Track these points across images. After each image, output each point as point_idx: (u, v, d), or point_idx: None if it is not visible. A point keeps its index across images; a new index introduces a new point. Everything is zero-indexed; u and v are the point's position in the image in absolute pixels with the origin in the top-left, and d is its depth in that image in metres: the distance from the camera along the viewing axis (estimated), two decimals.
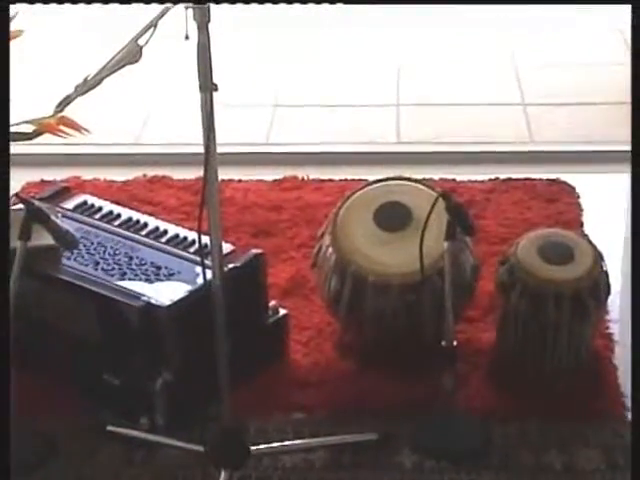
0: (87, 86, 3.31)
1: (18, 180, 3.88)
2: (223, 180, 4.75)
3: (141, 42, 3.21)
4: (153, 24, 3.13)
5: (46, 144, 4.45)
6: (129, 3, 5.76)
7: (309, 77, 6.18)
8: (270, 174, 4.96)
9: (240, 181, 4.91)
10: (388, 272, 3.60)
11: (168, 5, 3.08)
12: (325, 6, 3.04)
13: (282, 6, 2.99)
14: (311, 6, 3.06)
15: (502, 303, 3.70)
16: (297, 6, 2.99)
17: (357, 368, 3.76)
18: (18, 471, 3.23)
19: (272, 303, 3.79)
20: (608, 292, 3.67)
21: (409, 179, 3.77)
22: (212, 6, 2.96)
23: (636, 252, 3.00)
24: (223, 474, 3.20)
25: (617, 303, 4.04)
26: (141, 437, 3.44)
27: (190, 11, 2.94)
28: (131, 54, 3.18)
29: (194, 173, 4.42)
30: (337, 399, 3.61)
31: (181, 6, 2.96)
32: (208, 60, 3.02)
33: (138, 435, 3.44)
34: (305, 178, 4.85)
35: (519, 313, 3.60)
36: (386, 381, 3.63)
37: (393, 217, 3.69)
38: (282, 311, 3.81)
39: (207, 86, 3.03)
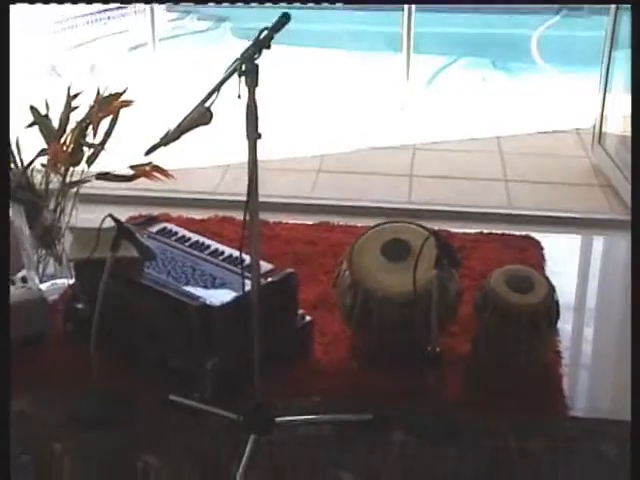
0: (167, 139, 3.09)
1: (122, 215, 3.74)
2: (275, 222, 4.75)
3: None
4: (217, 89, 2.93)
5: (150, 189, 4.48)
6: (129, 3, 5.52)
7: (347, 149, 6.05)
8: (310, 220, 4.90)
9: (287, 223, 4.83)
10: (390, 291, 3.50)
11: (230, 71, 2.89)
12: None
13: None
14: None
15: (477, 321, 3.62)
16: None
17: (363, 365, 3.65)
18: (101, 425, 3.28)
19: (301, 311, 3.69)
20: (558, 317, 3.60)
21: (410, 222, 3.65)
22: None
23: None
24: (252, 437, 3.12)
25: (567, 328, 3.96)
26: (193, 405, 3.33)
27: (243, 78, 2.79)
28: (202, 116, 2.98)
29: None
30: (345, 388, 3.51)
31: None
32: (254, 114, 2.88)
33: (190, 404, 3.33)
34: (335, 224, 4.80)
35: (489, 328, 3.55)
36: (385, 376, 3.51)
37: (396, 250, 3.60)
38: (308, 318, 3.70)
39: (252, 135, 2.89)
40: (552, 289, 3.55)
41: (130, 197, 5.01)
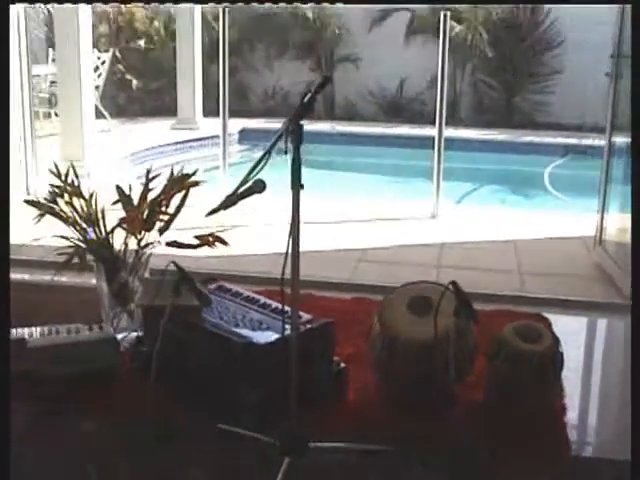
0: (226, 204, 3.07)
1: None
2: (319, 295, 4.62)
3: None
4: (268, 151, 2.91)
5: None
6: (129, 3, 5.46)
7: (385, 244, 6.03)
8: (349, 295, 4.87)
9: (331, 298, 4.80)
10: (412, 336, 3.42)
11: (280, 133, 2.87)
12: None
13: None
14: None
15: (489, 367, 3.49)
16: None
17: (389, 405, 3.54)
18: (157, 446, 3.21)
19: (336, 359, 3.56)
20: (562, 366, 3.48)
21: (433, 282, 3.52)
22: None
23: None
24: (286, 460, 2.99)
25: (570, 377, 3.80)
26: (237, 431, 3.21)
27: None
28: (256, 186, 2.95)
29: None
30: (371, 423, 3.38)
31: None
32: (298, 168, 2.85)
33: (235, 430, 3.22)
34: (371, 299, 4.63)
35: (500, 374, 3.43)
36: (407, 413, 3.41)
37: (420, 306, 3.50)
38: (342, 365, 3.61)
39: (296, 186, 2.85)
40: (557, 340, 3.45)
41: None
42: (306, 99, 2.79)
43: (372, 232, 6.39)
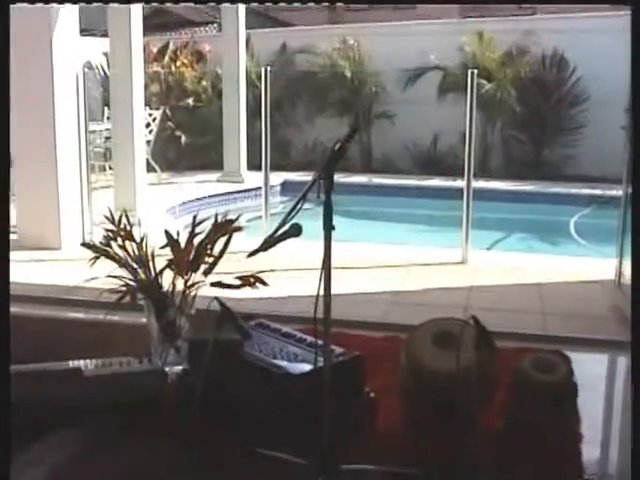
0: (265, 246, 3.22)
1: None
2: (354, 334, 4.75)
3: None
4: (303, 196, 3.06)
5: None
6: (129, 3, 5.49)
7: (418, 288, 6.16)
8: (381, 334, 4.99)
9: (363, 336, 4.89)
10: (438, 368, 3.53)
11: (313, 180, 3.03)
12: None
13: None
14: None
15: (510, 397, 3.54)
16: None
17: (415, 431, 3.65)
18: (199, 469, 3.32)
19: (367, 389, 3.66)
20: (576, 393, 3.58)
21: (456, 319, 3.62)
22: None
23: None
24: None
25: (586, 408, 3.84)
26: (274, 455, 3.32)
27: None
28: (294, 230, 3.10)
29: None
30: (399, 447, 3.50)
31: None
32: (330, 211, 2.99)
33: (273, 454, 3.33)
34: (400, 337, 4.62)
35: (517, 401, 3.56)
36: (432, 439, 3.52)
37: (443, 340, 3.62)
38: (372, 395, 3.71)
39: (328, 227, 3.00)
40: (571, 372, 3.54)
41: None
42: (336, 148, 2.95)
43: (404, 276, 6.51)
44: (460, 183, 7.20)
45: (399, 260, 7.04)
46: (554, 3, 12.38)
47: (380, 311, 5.53)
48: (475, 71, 6.95)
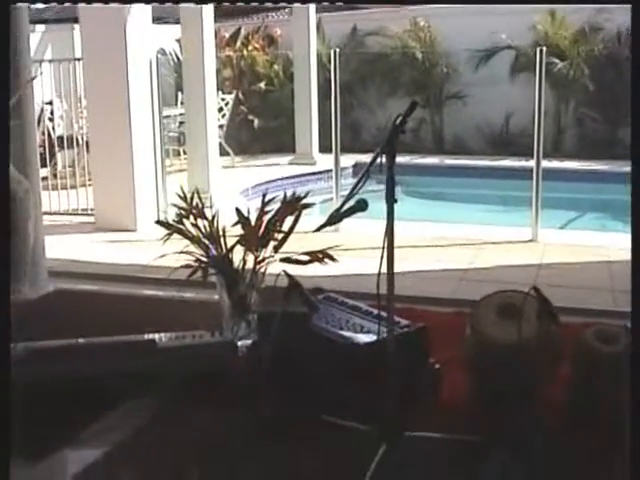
0: (332, 221, 3.32)
1: None
2: (422, 309, 4.83)
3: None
4: (367, 170, 3.14)
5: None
6: (129, 3, 5.55)
7: (487, 265, 6.23)
8: (449, 310, 5.04)
9: (431, 311, 4.95)
10: (501, 339, 3.58)
11: (375, 155, 3.11)
12: None
13: None
14: None
15: (573, 368, 3.60)
16: None
17: (478, 401, 3.73)
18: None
19: (432, 360, 3.75)
20: None
21: (519, 291, 3.67)
22: None
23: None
24: (383, 446, 3.20)
25: None
26: (339, 422, 3.45)
27: None
28: (360, 205, 3.20)
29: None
30: (461, 417, 3.61)
31: None
32: (392, 184, 3.07)
33: (337, 421, 3.46)
34: (468, 312, 4.69)
35: (579, 373, 3.60)
36: (494, 409, 3.59)
37: (507, 311, 3.66)
38: (437, 366, 3.82)
39: (391, 200, 3.09)
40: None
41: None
42: (397, 122, 3.04)
43: (474, 254, 6.57)
44: (532, 163, 7.21)
45: (469, 239, 7.09)
46: (556, 3, 12.25)
47: (449, 288, 5.60)
48: (544, 48, 6.94)
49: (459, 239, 7.09)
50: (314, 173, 11.20)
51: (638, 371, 2.66)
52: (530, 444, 3.33)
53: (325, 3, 12.46)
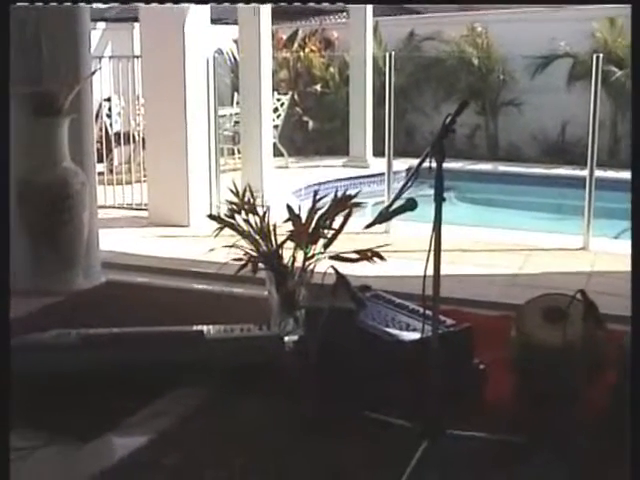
0: (381, 220, 3.37)
1: None
2: (469, 312, 4.83)
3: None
4: (416, 170, 3.18)
5: None
6: (129, 3, 5.54)
7: (537, 271, 6.16)
8: (496, 312, 5.03)
9: (478, 314, 4.95)
10: (546, 341, 3.60)
11: (426, 153, 3.14)
12: None
13: None
14: None
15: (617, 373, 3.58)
16: None
17: (522, 402, 3.73)
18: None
19: (476, 361, 3.78)
20: None
21: (565, 294, 3.67)
22: None
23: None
24: (424, 443, 3.23)
25: None
26: (381, 418, 3.50)
27: None
28: (409, 204, 3.23)
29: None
30: (504, 417, 3.64)
31: None
32: (441, 183, 3.10)
33: (381, 417, 3.51)
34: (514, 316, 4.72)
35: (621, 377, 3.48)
36: (538, 410, 3.61)
37: (552, 314, 3.68)
38: (481, 366, 3.85)
39: (439, 199, 3.12)
40: None
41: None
42: (447, 122, 3.08)
43: (524, 260, 6.56)
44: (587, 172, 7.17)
45: (520, 245, 7.08)
46: (557, 3, 12.13)
47: (497, 292, 5.61)
48: (601, 55, 6.90)
49: (510, 245, 7.08)
50: (367, 176, 11.25)
51: (638, 371, 2.68)
52: (572, 446, 3.35)
53: (379, 4, 12.49)
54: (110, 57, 9.68)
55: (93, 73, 6.03)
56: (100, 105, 9.76)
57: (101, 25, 11.46)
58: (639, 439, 2.55)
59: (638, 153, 2.87)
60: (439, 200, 3.16)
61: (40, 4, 5.28)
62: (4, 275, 2.72)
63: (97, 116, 9.13)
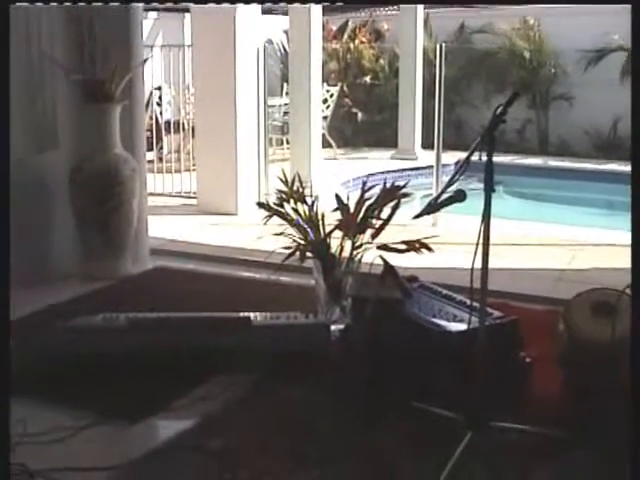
0: (430, 210, 3.36)
1: None
2: (516, 306, 4.78)
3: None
4: (465, 161, 3.17)
5: None
6: (129, 3, 5.57)
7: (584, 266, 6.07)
8: (543, 307, 4.99)
9: (525, 308, 4.86)
10: (595, 335, 3.58)
11: (476, 144, 3.13)
12: None
13: None
14: None
15: None
16: None
17: (568, 397, 3.71)
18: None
19: (523, 354, 3.76)
20: None
21: (614, 289, 3.64)
22: None
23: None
24: (469, 434, 3.21)
25: None
26: (426, 408, 3.48)
27: None
28: (458, 195, 3.23)
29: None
30: (550, 411, 3.59)
31: None
32: (491, 173, 3.09)
33: (425, 407, 3.49)
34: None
35: None
36: (584, 405, 3.57)
37: (601, 309, 3.66)
38: (528, 360, 3.80)
39: (489, 190, 3.11)
40: None
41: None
42: (498, 112, 3.07)
43: (573, 255, 6.50)
44: None
45: (569, 240, 7.02)
46: (556, 3, 11.93)
47: (545, 286, 5.57)
48: None
49: (558, 240, 7.02)
50: (415, 168, 11.21)
51: (638, 368, 2.66)
52: (617, 442, 3.31)
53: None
54: (161, 46, 9.76)
55: (144, 62, 6.09)
56: (151, 94, 9.86)
57: (152, 15, 11.55)
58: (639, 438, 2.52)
59: (638, 154, 2.85)
60: (489, 191, 3.15)
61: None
62: (4, 275, 2.69)
63: (148, 104, 9.21)
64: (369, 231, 4.43)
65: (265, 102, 8.25)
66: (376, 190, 4.57)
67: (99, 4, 5.47)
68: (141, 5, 5.99)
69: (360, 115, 13.22)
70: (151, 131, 9.30)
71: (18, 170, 5.28)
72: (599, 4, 11.42)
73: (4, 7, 2.93)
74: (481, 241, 3.18)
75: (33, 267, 5.23)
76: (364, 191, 4.52)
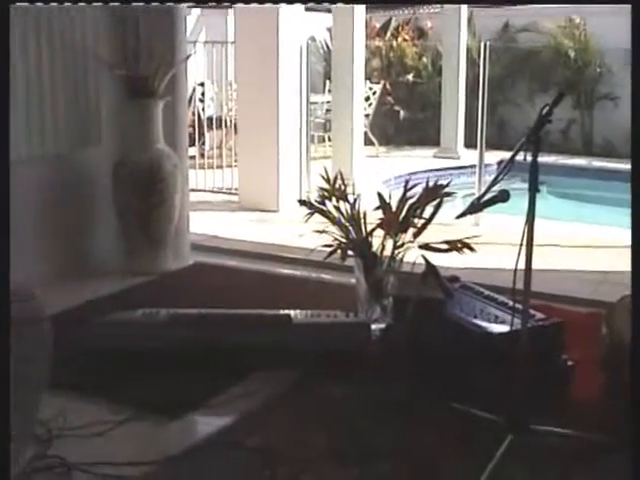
0: (473, 210, 3.33)
1: None
2: (559, 308, 4.69)
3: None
4: (510, 160, 3.13)
5: None
6: (129, 3, 5.52)
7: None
8: (586, 309, 4.79)
9: (568, 310, 4.62)
10: None
11: (521, 144, 3.09)
12: None
13: None
14: None
15: None
16: None
17: (612, 402, 3.64)
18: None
19: (565, 357, 3.71)
20: None
21: None
22: None
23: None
24: (510, 437, 3.17)
25: None
26: (466, 409, 3.45)
27: None
28: (501, 195, 3.19)
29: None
30: (592, 416, 3.54)
31: None
32: (536, 173, 3.05)
33: (465, 408, 3.46)
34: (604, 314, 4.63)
35: None
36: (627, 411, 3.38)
37: None
38: (570, 363, 3.76)
39: (534, 191, 3.07)
40: None
41: None
42: (544, 112, 3.03)
43: (617, 257, 6.41)
44: None
45: (613, 241, 6.92)
46: (555, 3, 11.72)
47: (587, 289, 5.50)
48: None
49: (603, 241, 6.94)
50: (458, 167, 11.12)
51: (638, 371, 2.63)
52: None
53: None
54: (204, 42, 9.80)
55: (187, 57, 6.11)
56: (194, 89, 9.89)
57: (196, 11, 11.60)
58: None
59: (637, 148, 2.80)
60: (533, 191, 3.11)
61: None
62: (4, 275, 2.65)
63: (190, 100, 9.24)
64: (411, 230, 4.41)
65: (307, 99, 8.24)
66: (418, 189, 4.55)
67: (140, 4, 5.49)
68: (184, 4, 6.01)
69: (402, 113, 13.17)
70: (193, 127, 9.34)
71: (61, 166, 5.35)
72: (599, 4, 11.29)
73: (4, 7, 2.91)
74: (524, 242, 3.14)
75: (75, 262, 5.27)
76: (406, 190, 4.50)
